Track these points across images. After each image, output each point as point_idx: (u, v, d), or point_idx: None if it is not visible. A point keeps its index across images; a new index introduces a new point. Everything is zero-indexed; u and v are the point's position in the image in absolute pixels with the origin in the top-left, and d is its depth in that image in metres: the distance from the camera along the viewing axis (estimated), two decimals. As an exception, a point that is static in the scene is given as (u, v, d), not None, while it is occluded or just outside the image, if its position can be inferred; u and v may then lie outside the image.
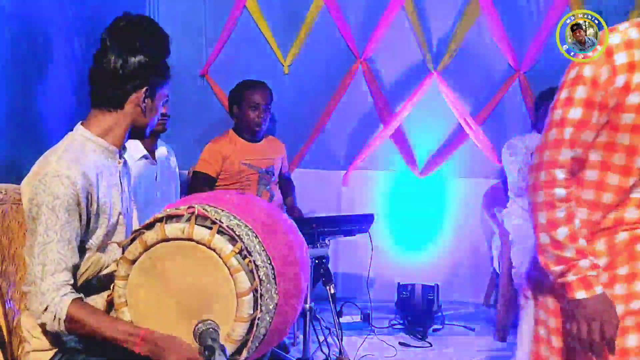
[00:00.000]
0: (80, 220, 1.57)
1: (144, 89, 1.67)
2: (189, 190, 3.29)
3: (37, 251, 1.52)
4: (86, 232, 1.61)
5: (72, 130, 1.70)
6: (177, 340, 1.49)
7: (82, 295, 1.58)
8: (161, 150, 2.82)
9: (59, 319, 1.51)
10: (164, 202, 2.70)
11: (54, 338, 1.63)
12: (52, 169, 1.55)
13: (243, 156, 3.38)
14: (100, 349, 1.62)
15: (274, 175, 3.48)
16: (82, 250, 1.62)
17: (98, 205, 1.62)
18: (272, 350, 1.88)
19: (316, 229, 2.72)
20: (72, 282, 1.56)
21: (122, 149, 1.75)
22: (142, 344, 1.48)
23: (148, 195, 2.67)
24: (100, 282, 1.67)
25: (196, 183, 3.35)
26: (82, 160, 1.60)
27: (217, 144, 3.41)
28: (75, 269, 1.58)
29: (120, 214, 1.70)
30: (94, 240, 1.64)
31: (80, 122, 1.71)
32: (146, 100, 1.69)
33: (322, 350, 2.96)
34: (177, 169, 2.96)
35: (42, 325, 1.55)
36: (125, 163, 1.80)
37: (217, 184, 3.40)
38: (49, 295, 1.50)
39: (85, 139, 1.67)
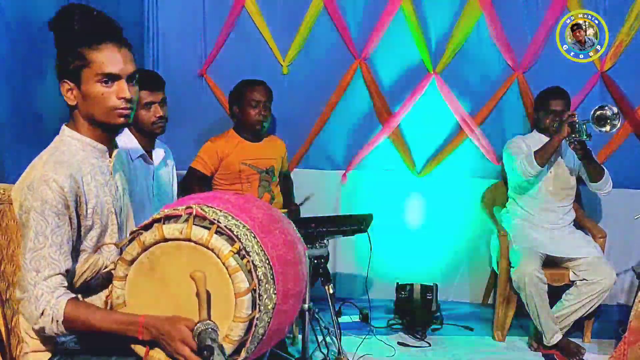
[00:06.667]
0: (71, 224, 1.55)
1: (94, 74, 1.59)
2: (182, 185, 3.28)
3: (29, 257, 1.51)
4: (79, 234, 1.60)
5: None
6: (175, 319, 1.47)
7: (77, 295, 1.57)
8: (159, 151, 2.81)
9: (57, 320, 1.49)
10: (161, 202, 2.69)
11: (52, 339, 1.62)
12: (39, 174, 1.53)
13: (243, 156, 3.38)
14: (98, 348, 1.61)
15: (274, 175, 3.47)
16: (77, 252, 1.61)
17: (87, 207, 1.60)
18: (271, 350, 1.88)
19: (315, 229, 2.72)
20: (65, 284, 1.54)
21: (112, 146, 1.72)
22: (144, 331, 1.48)
23: (145, 196, 2.66)
24: (99, 283, 1.66)
25: (190, 179, 3.34)
26: (69, 162, 1.58)
27: (215, 142, 3.40)
28: (68, 272, 1.56)
29: (112, 213, 1.68)
30: (88, 242, 1.63)
31: (65, 123, 1.68)
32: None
33: (320, 350, 2.96)
34: (174, 170, 2.96)
35: (41, 330, 1.52)
36: (117, 161, 1.75)
37: (217, 184, 3.40)
38: (44, 299, 1.49)
39: (73, 140, 1.64)
